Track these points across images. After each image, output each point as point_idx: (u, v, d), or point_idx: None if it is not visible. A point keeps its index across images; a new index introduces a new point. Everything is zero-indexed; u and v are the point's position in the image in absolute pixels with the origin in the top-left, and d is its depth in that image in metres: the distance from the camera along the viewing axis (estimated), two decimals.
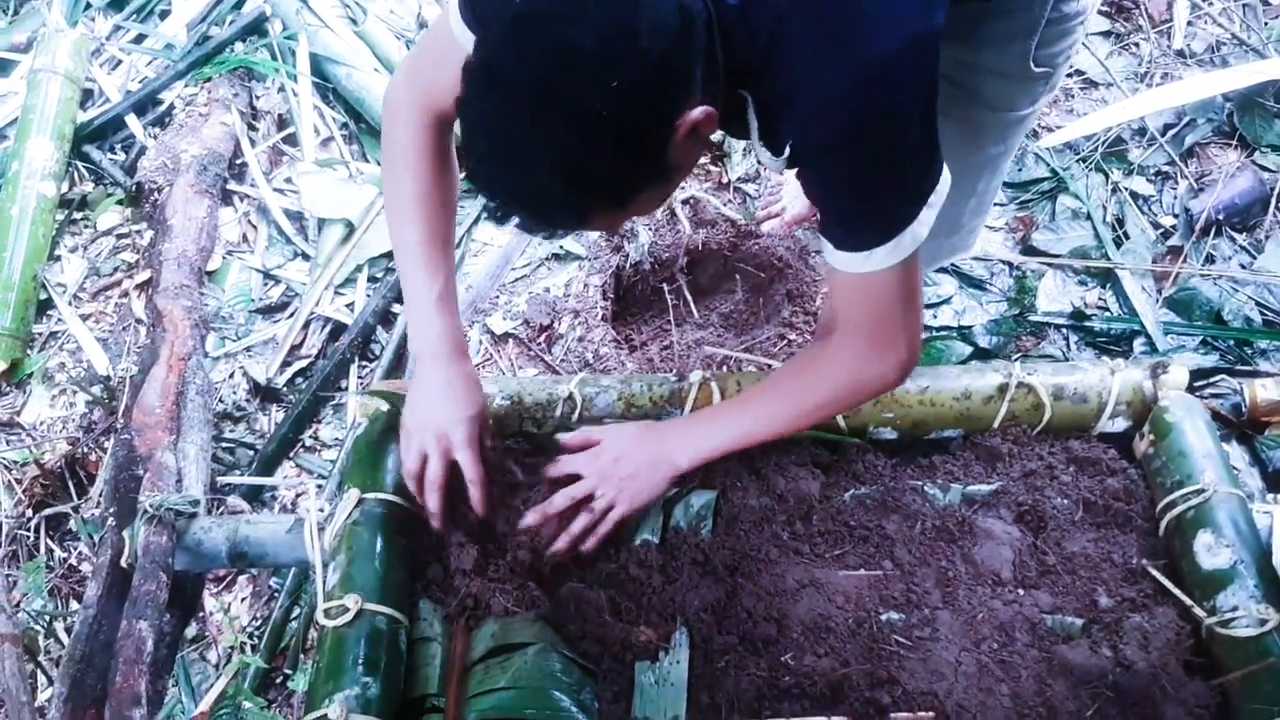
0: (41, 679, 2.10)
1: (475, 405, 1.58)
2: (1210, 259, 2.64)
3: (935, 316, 2.56)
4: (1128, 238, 2.68)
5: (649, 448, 1.58)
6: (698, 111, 1.13)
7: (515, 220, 1.18)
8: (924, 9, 1.14)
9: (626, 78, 1.05)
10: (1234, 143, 2.84)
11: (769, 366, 1.82)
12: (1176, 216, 2.73)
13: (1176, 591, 1.57)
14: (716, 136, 1.31)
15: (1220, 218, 2.67)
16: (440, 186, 1.53)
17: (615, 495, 1.56)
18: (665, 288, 2.66)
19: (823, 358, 1.49)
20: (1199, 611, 1.53)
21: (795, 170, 1.27)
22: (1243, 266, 2.62)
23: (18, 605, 2.17)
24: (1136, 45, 3.08)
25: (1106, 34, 3.09)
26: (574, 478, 1.59)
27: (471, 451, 1.56)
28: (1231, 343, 2.47)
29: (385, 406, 1.71)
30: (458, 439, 1.55)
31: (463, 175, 1.38)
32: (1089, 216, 2.71)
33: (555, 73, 1.05)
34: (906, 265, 1.30)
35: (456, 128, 1.36)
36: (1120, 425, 1.77)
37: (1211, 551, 1.55)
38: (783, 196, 2.67)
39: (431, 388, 1.57)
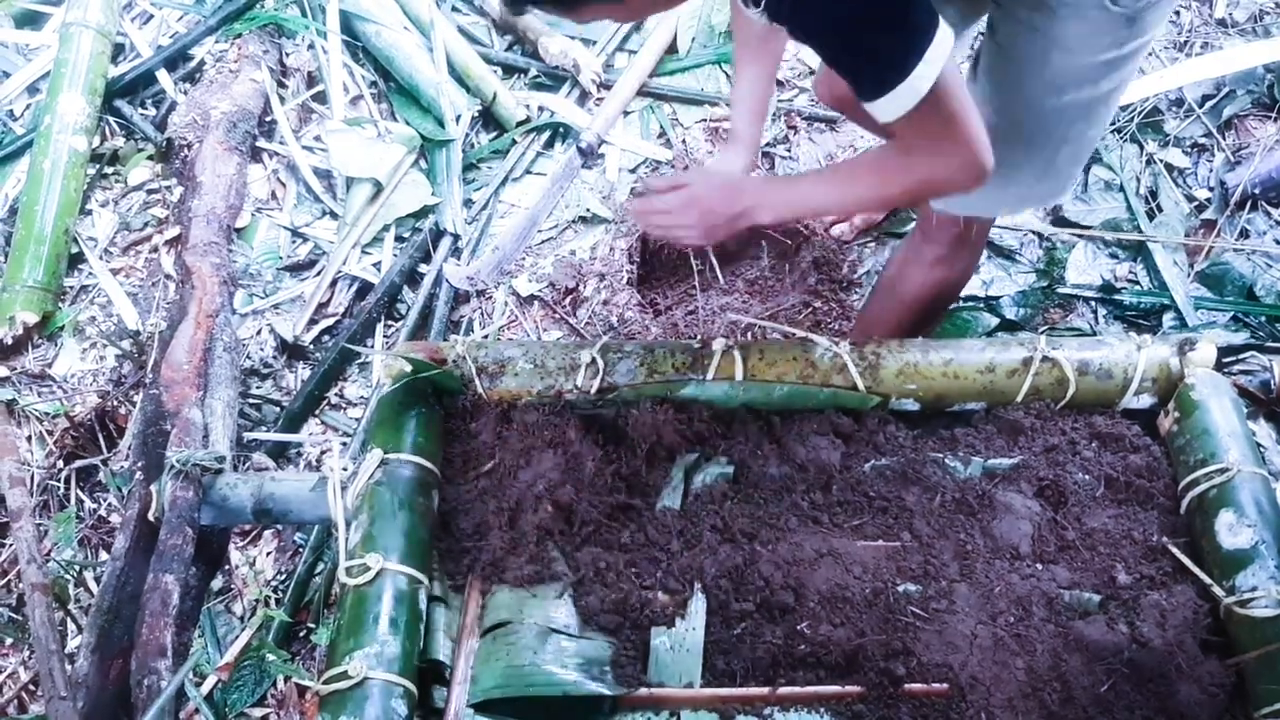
0: (71, 627, 2.14)
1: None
2: (1244, 234, 2.61)
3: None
4: (1161, 210, 2.65)
5: (733, 197, 1.63)
6: None
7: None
8: None
9: None
10: (1274, 115, 2.79)
11: (793, 334, 1.81)
12: (1211, 190, 2.69)
13: (1196, 570, 1.56)
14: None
15: (1256, 192, 2.63)
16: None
17: (691, 225, 1.65)
18: (691, 253, 2.65)
19: (901, 156, 1.52)
20: (1218, 590, 1.53)
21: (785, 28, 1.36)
22: (1277, 242, 2.59)
23: (48, 555, 2.21)
24: (1177, 14, 3.02)
25: None
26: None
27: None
28: (1263, 319, 2.45)
29: (409, 367, 1.72)
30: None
31: None
32: (1122, 188, 2.68)
33: None
34: (928, 104, 1.35)
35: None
36: (1145, 401, 1.76)
37: (1233, 531, 1.54)
38: None
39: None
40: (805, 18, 1.33)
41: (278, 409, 2.45)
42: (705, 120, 2.92)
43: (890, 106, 1.36)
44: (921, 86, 1.33)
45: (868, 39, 1.32)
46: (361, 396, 2.47)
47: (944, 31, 1.33)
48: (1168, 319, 2.47)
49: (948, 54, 1.34)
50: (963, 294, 2.52)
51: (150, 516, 1.75)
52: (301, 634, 2.15)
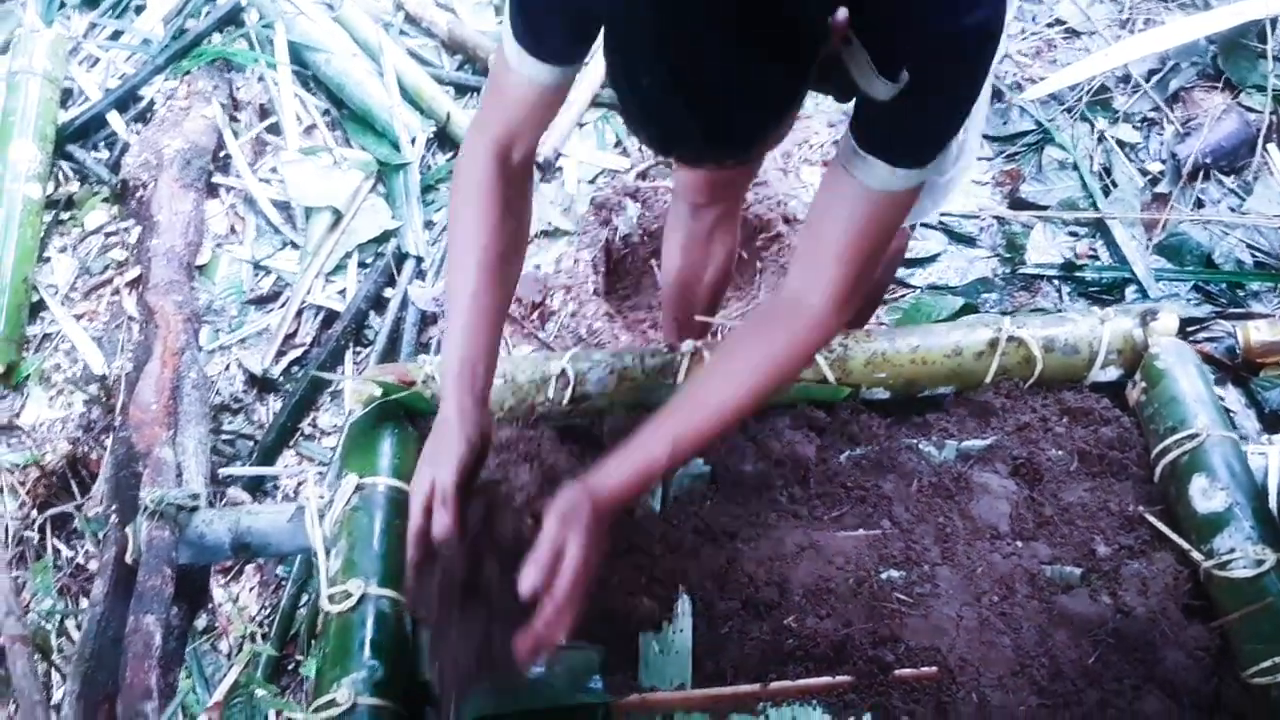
0: (56, 677, 2.11)
1: (459, 446, 1.34)
2: (1199, 203, 2.64)
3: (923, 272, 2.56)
4: (1116, 186, 2.68)
5: (586, 523, 1.25)
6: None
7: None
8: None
9: (774, 43, 1.02)
10: (1219, 85, 2.83)
11: None
12: (1164, 162, 2.72)
13: (1173, 536, 1.58)
14: None
15: (1208, 161, 2.67)
16: (503, 235, 1.41)
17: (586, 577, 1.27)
18: (654, 260, 2.66)
19: (773, 327, 1.38)
20: (1196, 555, 1.54)
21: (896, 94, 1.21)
22: (1232, 209, 2.62)
23: (27, 607, 2.18)
24: None
25: None
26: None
27: (446, 499, 1.32)
28: (1224, 286, 2.47)
29: (378, 391, 1.72)
30: (437, 484, 1.32)
31: None
32: (1076, 167, 2.71)
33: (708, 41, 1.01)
34: (911, 198, 1.31)
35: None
36: (1112, 374, 1.78)
37: (1207, 495, 1.56)
38: None
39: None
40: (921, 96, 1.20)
41: (252, 443, 2.44)
42: None
43: (911, 177, 1.28)
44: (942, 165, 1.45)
45: (947, 121, 1.26)
46: (335, 425, 2.46)
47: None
48: (1130, 292, 2.50)
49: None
50: (927, 281, 2.55)
51: (127, 559, 1.74)
52: (290, 667, 2.13)
